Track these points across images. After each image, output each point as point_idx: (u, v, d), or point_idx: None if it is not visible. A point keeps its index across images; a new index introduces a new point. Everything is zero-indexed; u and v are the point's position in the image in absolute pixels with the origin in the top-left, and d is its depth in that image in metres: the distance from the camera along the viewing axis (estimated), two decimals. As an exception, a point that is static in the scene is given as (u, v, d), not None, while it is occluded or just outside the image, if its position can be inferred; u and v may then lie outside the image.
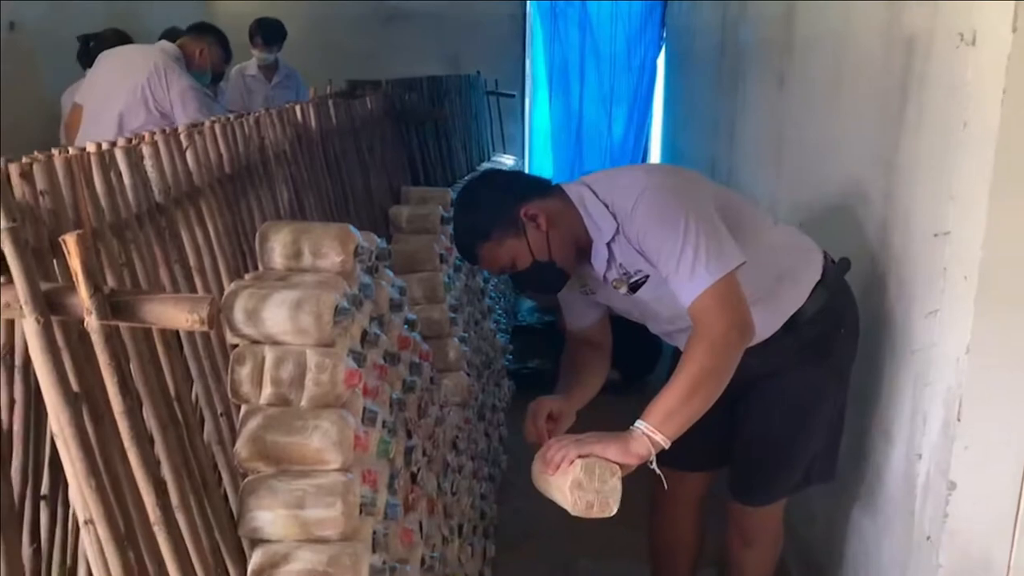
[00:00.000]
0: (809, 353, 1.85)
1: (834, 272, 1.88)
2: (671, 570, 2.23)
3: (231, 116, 1.67)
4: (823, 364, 1.88)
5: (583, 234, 1.76)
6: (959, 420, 1.56)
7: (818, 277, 1.84)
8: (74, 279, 0.89)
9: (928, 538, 1.66)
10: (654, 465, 1.56)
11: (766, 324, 1.76)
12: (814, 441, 1.92)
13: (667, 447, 1.55)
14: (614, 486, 1.53)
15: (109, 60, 3.46)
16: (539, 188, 1.84)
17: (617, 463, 1.54)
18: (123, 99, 3.30)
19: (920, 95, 1.73)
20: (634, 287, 1.75)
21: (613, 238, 1.72)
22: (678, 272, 1.60)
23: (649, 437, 1.54)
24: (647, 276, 1.73)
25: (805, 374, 1.87)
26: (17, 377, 1.04)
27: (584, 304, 1.94)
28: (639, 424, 1.56)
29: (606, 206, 1.72)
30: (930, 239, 1.64)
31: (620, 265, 1.75)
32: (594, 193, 1.75)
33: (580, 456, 1.54)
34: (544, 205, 1.76)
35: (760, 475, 1.97)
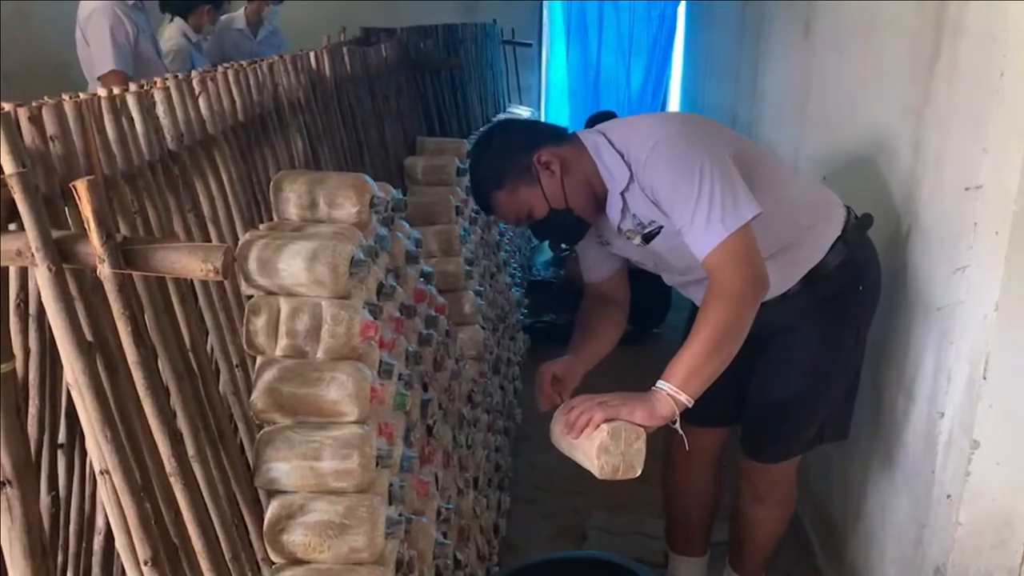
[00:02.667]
0: (827, 309, 1.82)
1: (855, 228, 1.84)
2: (686, 524, 2.23)
3: (243, 63, 1.64)
4: (840, 321, 1.84)
5: (599, 183, 1.73)
6: (985, 378, 1.53)
7: (839, 232, 1.80)
8: (86, 226, 0.87)
9: (948, 496, 1.64)
10: (677, 425, 1.55)
11: (784, 278, 1.74)
12: (828, 398, 1.90)
13: (690, 406, 1.55)
14: (639, 448, 1.53)
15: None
16: (553, 136, 1.80)
17: (642, 426, 1.53)
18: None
19: (954, 42, 1.67)
20: (647, 238, 1.73)
21: (627, 187, 1.69)
22: (692, 224, 1.57)
23: (673, 398, 1.53)
24: (661, 227, 1.70)
25: (822, 330, 1.84)
26: (32, 326, 1.03)
27: (601, 255, 1.91)
28: (662, 385, 1.55)
29: (621, 155, 1.69)
30: (961, 193, 1.60)
31: (634, 216, 1.72)
32: (609, 142, 1.71)
33: (606, 420, 1.53)
34: (558, 152, 1.72)
35: (773, 432, 1.95)
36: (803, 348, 1.86)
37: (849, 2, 2.35)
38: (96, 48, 3.23)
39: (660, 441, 2.02)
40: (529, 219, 1.77)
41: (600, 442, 1.52)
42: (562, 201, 1.72)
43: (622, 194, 1.70)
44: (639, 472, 1.55)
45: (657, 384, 1.56)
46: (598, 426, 1.53)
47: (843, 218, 1.83)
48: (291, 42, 4.61)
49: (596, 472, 1.54)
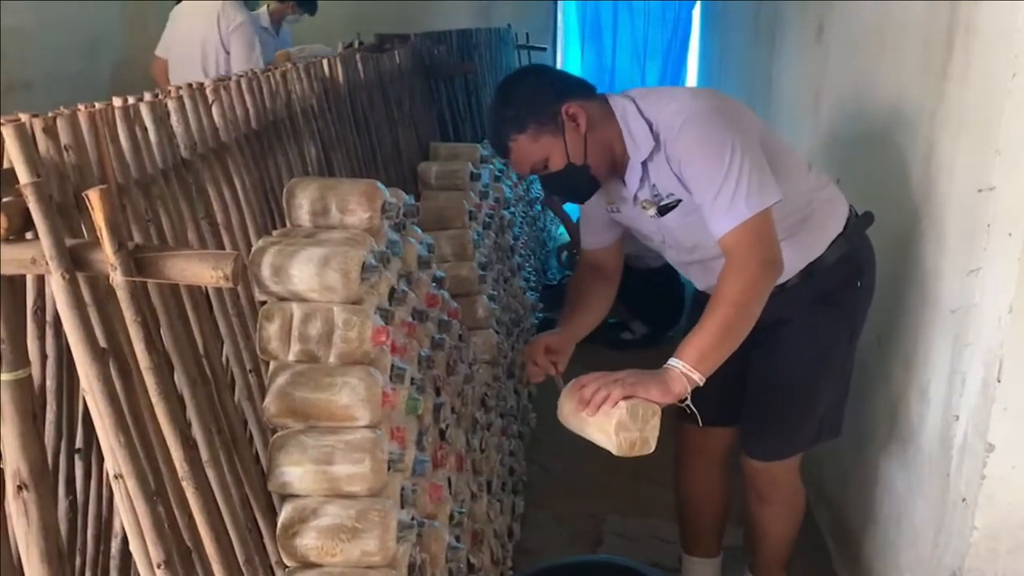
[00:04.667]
0: (825, 304, 1.82)
1: (856, 225, 1.84)
2: (697, 525, 2.22)
3: (257, 71, 1.65)
4: (838, 316, 1.84)
5: (620, 148, 1.71)
6: (999, 381, 1.52)
7: (841, 228, 1.81)
8: (98, 235, 0.88)
9: (964, 500, 1.63)
10: (688, 402, 1.56)
11: (785, 266, 1.72)
12: (824, 395, 1.89)
13: (702, 384, 1.56)
14: (655, 425, 1.55)
15: (183, 12, 3.72)
16: (584, 90, 1.76)
17: (656, 402, 1.55)
18: (201, 44, 3.60)
19: (967, 43, 1.66)
20: (663, 210, 1.71)
21: (650, 157, 1.67)
22: (716, 201, 1.56)
23: (686, 376, 1.54)
24: (678, 201, 1.69)
25: (818, 324, 1.83)
26: (49, 332, 1.05)
27: (604, 222, 1.90)
28: (675, 363, 1.56)
29: (649, 124, 1.67)
30: (974, 194, 1.59)
31: (653, 186, 1.70)
32: (638, 109, 1.69)
33: (624, 398, 1.54)
34: (586, 106, 1.69)
35: (771, 428, 1.95)
36: (800, 342, 1.85)
37: (862, 3, 2.34)
38: (244, 53, 3.58)
39: (672, 443, 2.03)
40: (544, 170, 1.72)
41: (619, 419, 1.53)
42: (581, 157, 1.69)
43: (644, 163, 1.69)
44: (654, 447, 1.56)
45: (670, 362, 1.56)
46: (616, 403, 1.54)
47: (846, 215, 1.83)
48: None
49: (614, 449, 1.55)
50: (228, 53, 3.61)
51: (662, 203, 1.71)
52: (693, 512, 2.21)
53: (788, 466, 1.99)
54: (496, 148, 1.81)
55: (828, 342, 1.86)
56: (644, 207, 1.73)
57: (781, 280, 1.71)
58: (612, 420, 1.53)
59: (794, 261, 1.75)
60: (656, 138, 1.66)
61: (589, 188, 1.77)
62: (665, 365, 1.57)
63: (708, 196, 1.58)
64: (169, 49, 3.72)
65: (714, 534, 2.22)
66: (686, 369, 1.54)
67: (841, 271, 1.81)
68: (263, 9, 4.71)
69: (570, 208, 4.46)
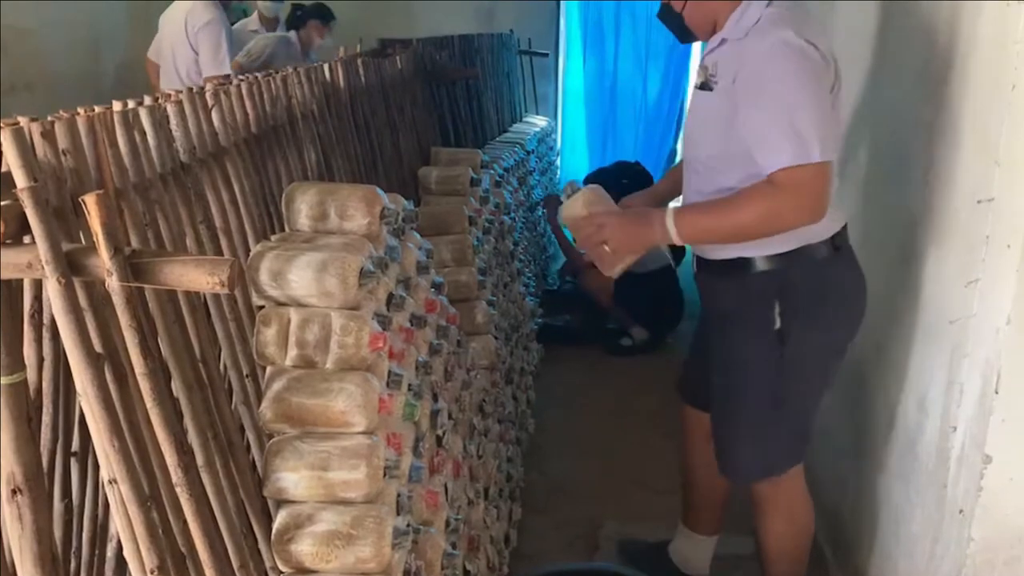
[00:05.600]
0: (743, 316, 1.79)
1: (810, 257, 1.73)
2: (690, 500, 2.27)
3: (258, 75, 1.66)
4: (753, 332, 1.77)
5: (723, 19, 1.73)
6: (997, 392, 1.52)
7: (787, 249, 1.72)
8: (95, 240, 0.88)
9: (961, 511, 1.63)
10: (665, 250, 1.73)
11: (735, 246, 1.76)
12: (746, 415, 1.83)
13: (677, 244, 1.76)
14: (628, 260, 1.82)
15: (168, 14, 3.73)
16: None
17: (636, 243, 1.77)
18: (176, 45, 3.61)
19: (966, 55, 1.66)
20: (703, 85, 1.75)
21: (734, 41, 1.68)
22: (787, 130, 1.55)
23: (666, 224, 1.68)
24: (712, 87, 1.72)
25: (734, 336, 1.82)
26: (46, 336, 1.05)
27: None
28: (667, 211, 1.70)
29: (758, 19, 1.66)
30: (973, 205, 1.59)
31: (715, 63, 1.72)
32: (769, 7, 1.67)
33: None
34: None
35: (721, 450, 1.93)
36: (723, 346, 1.86)
37: (863, 12, 2.34)
38: (210, 53, 3.55)
39: (668, 450, 2.03)
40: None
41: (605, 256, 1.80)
42: (681, 6, 1.77)
43: (725, 39, 1.71)
44: (617, 275, 1.86)
45: (666, 208, 1.72)
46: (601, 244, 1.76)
47: (806, 242, 1.72)
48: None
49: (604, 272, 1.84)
50: (197, 54, 3.59)
51: (709, 75, 1.74)
52: (690, 488, 2.25)
53: (775, 483, 1.92)
54: None
55: (742, 357, 1.81)
56: (699, 74, 1.79)
57: (722, 255, 1.78)
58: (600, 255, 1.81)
59: (740, 247, 1.75)
60: (748, 34, 1.66)
61: (681, 35, 1.84)
62: (659, 207, 1.76)
63: (780, 122, 1.56)
64: (159, 54, 3.74)
65: (710, 512, 2.24)
66: (670, 219, 1.68)
67: (759, 284, 1.75)
68: (254, 16, 4.73)
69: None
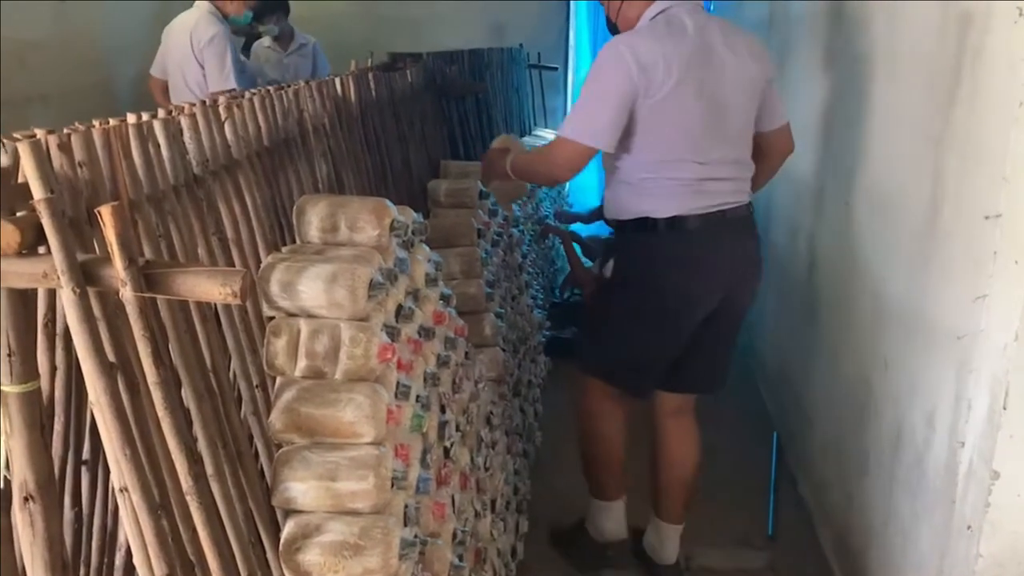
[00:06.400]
0: (615, 261, 2.30)
1: (641, 234, 2.11)
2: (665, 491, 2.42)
3: (270, 88, 1.68)
4: (615, 276, 2.26)
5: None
6: (1005, 408, 1.51)
7: (631, 218, 2.12)
8: (109, 251, 0.90)
9: (969, 527, 1.62)
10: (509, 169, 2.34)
11: (607, 202, 2.23)
12: (605, 331, 2.26)
13: (511, 176, 2.35)
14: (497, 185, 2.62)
15: (171, 30, 3.73)
16: None
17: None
18: (183, 61, 3.61)
19: (974, 71, 1.67)
20: None
21: None
22: (574, 108, 2.05)
23: (508, 159, 2.34)
24: None
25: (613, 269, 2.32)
26: (59, 345, 1.07)
27: None
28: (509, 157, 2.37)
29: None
30: (980, 221, 1.59)
31: None
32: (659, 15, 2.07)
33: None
34: None
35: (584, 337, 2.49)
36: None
37: (871, 29, 2.35)
38: (216, 68, 3.59)
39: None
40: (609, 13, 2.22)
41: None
42: (615, 15, 2.16)
43: None
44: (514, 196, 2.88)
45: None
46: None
47: (664, 218, 2.06)
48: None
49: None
50: (203, 68, 3.61)
51: None
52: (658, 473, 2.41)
53: (586, 386, 2.32)
54: None
55: (608, 286, 2.32)
56: None
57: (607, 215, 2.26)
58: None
59: (609, 201, 2.21)
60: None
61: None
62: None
63: (578, 100, 2.06)
64: (164, 70, 3.76)
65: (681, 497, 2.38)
66: (510, 157, 2.36)
67: (612, 244, 2.33)
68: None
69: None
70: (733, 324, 2.23)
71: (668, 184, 2.05)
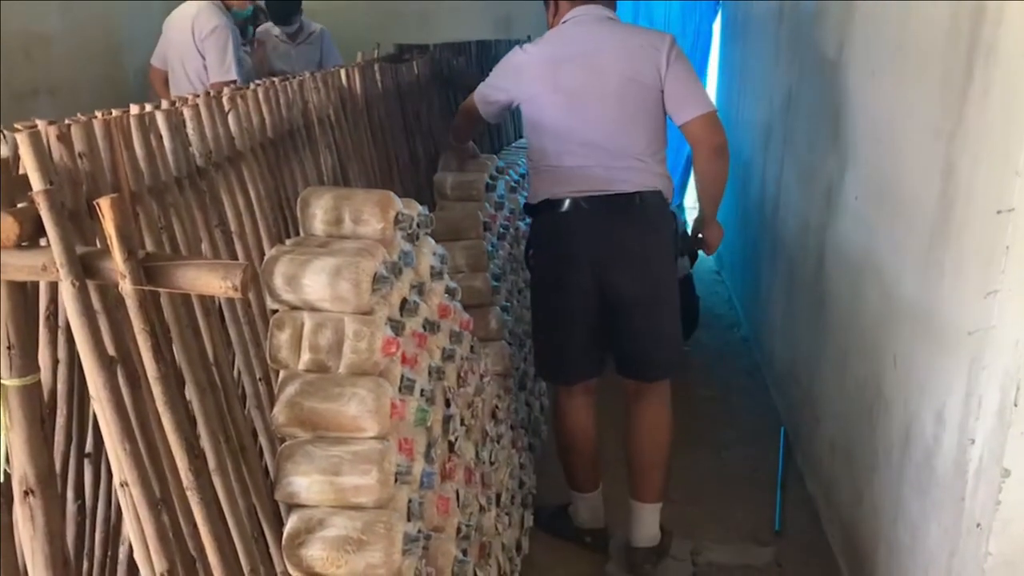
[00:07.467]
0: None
1: (547, 212, 2.26)
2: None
3: (275, 80, 1.66)
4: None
5: None
6: (1016, 405, 1.50)
7: (535, 202, 2.30)
8: (109, 243, 0.89)
9: (978, 525, 1.60)
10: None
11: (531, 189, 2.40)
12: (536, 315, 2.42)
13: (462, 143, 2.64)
14: None
15: (172, 20, 3.72)
16: None
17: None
18: (184, 51, 3.60)
19: (987, 64, 1.64)
20: None
21: None
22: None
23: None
24: None
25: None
26: (61, 338, 1.06)
27: None
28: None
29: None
30: (992, 216, 1.57)
31: None
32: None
33: None
34: (561, 5, 2.35)
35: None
36: None
37: (883, 23, 2.33)
38: (217, 59, 3.58)
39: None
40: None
41: None
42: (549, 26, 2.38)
43: None
44: None
45: None
46: None
47: (546, 198, 2.26)
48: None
49: None
50: (204, 58, 3.61)
51: None
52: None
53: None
54: None
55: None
56: None
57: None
58: None
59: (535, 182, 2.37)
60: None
61: None
62: None
63: None
64: (165, 60, 3.75)
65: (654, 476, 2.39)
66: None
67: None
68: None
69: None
70: (637, 311, 2.27)
71: (549, 171, 2.27)
